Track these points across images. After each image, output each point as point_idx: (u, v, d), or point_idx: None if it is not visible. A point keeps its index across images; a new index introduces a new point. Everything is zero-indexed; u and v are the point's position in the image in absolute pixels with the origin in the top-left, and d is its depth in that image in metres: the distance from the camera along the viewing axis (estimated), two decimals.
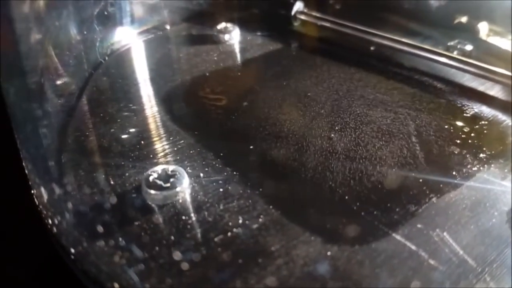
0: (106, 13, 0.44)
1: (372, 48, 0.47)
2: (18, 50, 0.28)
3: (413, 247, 0.26)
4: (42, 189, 0.28)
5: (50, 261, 0.31)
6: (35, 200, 0.29)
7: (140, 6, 0.50)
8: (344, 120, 0.36)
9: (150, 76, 0.43)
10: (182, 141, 0.34)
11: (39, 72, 0.32)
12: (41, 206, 0.28)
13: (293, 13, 0.52)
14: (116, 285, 0.24)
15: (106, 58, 0.45)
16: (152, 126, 0.36)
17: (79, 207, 0.28)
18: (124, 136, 0.34)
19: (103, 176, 0.30)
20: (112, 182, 0.30)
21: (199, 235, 0.27)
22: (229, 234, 0.27)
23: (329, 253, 0.26)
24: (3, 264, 0.32)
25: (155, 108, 0.38)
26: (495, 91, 0.40)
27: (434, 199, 0.29)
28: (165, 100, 0.39)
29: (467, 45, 0.45)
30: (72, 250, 0.25)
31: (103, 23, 0.43)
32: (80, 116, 0.36)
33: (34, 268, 0.32)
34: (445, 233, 0.27)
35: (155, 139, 0.35)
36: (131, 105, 0.38)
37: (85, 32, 0.40)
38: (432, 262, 0.25)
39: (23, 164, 0.29)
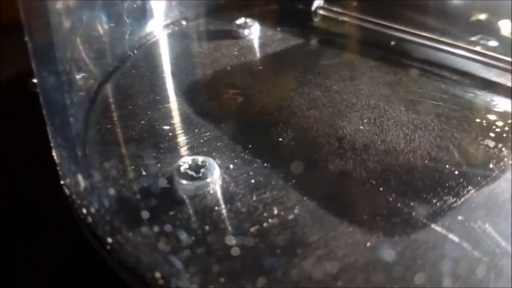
0: (135, 6, 0.43)
1: (393, 42, 0.47)
2: (52, 40, 0.28)
3: (455, 239, 0.25)
4: (79, 177, 0.27)
5: (81, 255, 0.31)
6: (66, 190, 0.28)
7: (160, 1, 0.49)
8: (370, 114, 0.36)
9: (174, 70, 0.43)
10: (208, 133, 0.34)
11: (70, 63, 0.31)
12: (74, 196, 0.27)
13: (313, 8, 0.51)
14: (157, 274, 0.23)
15: (135, 51, 0.44)
16: (177, 118, 0.36)
17: (113, 196, 0.28)
18: (151, 128, 0.34)
19: (135, 166, 0.30)
20: (144, 173, 0.30)
21: (234, 226, 0.26)
22: (265, 225, 0.26)
23: (368, 244, 0.25)
24: (31, 260, 0.31)
25: (180, 101, 0.38)
26: None
27: (472, 192, 0.28)
28: (189, 93, 0.39)
29: (491, 41, 0.44)
30: (109, 240, 0.25)
31: (132, 17, 0.43)
32: (109, 108, 0.36)
33: (64, 262, 0.32)
34: (486, 225, 0.26)
35: (180, 131, 0.34)
36: (158, 97, 0.38)
37: (114, 25, 0.40)
38: (475, 253, 0.24)
39: (54, 154, 0.28)
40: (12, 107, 0.41)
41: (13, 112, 0.40)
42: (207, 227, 0.26)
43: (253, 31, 0.49)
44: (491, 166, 0.31)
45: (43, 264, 0.32)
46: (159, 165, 0.30)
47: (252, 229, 0.26)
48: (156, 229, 0.25)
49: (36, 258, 0.32)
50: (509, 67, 0.40)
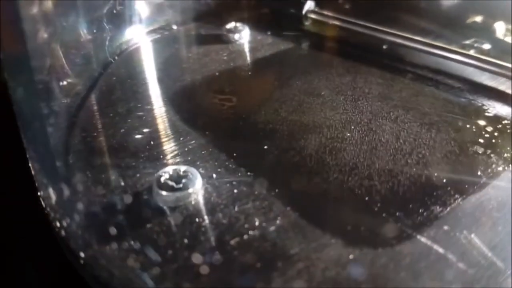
0: (115, 11, 0.43)
1: (384, 46, 0.46)
2: (26, 49, 0.27)
3: (440, 250, 0.24)
4: (50, 190, 0.26)
5: (61, 268, 0.30)
6: (42, 202, 0.27)
7: (148, 6, 0.49)
8: (360, 120, 0.35)
9: (159, 76, 0.42)
10: (193, 142, 0.33)
11: (47, 71, 0.31)
12: (48, 209, 0.27)
13: (304, 12, 0.51)
14: None
15: (116, 57, 0.44)
16: (162, 126, 0.35)
17: (88, 209, 0.27)
18: (134, 137, 0.33)
19: (113, 177, 0.29)
20: (122, 184, 0.29)
21: (213, 238, 0.25)
22: (245, 237, 0.25)
23: (351, 256, 0.24)
24: (12, 273, 0.31)
25: (165, 108, 0.37)
26: None
27: (459, 200, 0.28)
28: (175, 100, 0.38)
29: (484, 44, 0.44)
30: (82, 254, 0.24)
31: (112, 22, 0.42)
32: (89, 116, 0.35)
33: (45, 276, 0.31)
34: (473, 235, 0.25)
35: (165, 139, 0.34)
36: (140, 105, 0.37)
37: (95, 31, 0.39)
38: (460, 265, 0.24)
39: (30, 164, 0.27)
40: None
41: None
42: (185, 240, 0.25)
43: (243, 36, 0.49)
44: (479, 173, 0.30)
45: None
46: (139, 175, 0.30)
47: (232, 242, 0.25)
48: (131, 242, 0.25)
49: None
50: (501, 70, 0.39)
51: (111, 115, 0.36)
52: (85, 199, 0.28)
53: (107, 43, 0.42)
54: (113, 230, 0.25)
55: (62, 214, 0.26)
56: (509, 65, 0.38)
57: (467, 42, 0.45)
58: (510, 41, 0.45)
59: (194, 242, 0.25)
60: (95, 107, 0.36)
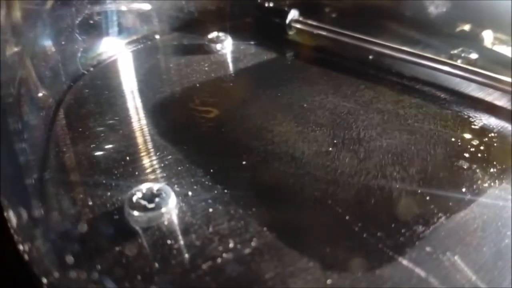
0: (91, 21, 0.41)
1: (370, 57, 0.45)
2: None
3: (422, 273, 0.23)
4: (11, 213, 0.25)
5: None
6: (8, 224, 0.26)
7: (129, 15, 0.47)
8: (342, 134, 0.34)
9: (138, 88, 0.41)
10: (170, 157, 0.32)
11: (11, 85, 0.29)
12: (12, 231, 0.25)
13: (287, 21, 0.49)
14: None
15: (91, 69, 0.42)
16: (138, 140, 0.34)
17: (53, 232, 0.26)
18: (106, 152, 0.32)
19: (82, 196, 0.28)
20: (90, 203, 0.28)
21: (185, 262, 0.24)
22: (218, 260, 0.24)
23: (329, 281, 0.23)
24: None
25: (142, 122, 0.36)
26: (503, 101, 0.37)
27: (443, 219, 0.27)
28: (153, 112, 0.37)
29: (472, 54, 0.43)
30: (44, 280, 0.23)
31: (87, 33, 0.41)
32: (58, 131, 0.34)
33: None
34: (456, 257, 0.24)
35: (141, 154, 0.32)
36: (116, 118, 0.36)
37: (63, 43, 0.38)
38: None
39: None
40: None
41: None
42: (156, 264, 0.24)
43: (225, 45, 0.48)
44: (463, 190, 0.29)
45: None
46: (110, 194, 0.28)
47: (204, 266, 0.24)
48: (96, 268, 0.23)
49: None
50: (488, 81, 0.38)
51: (81, 129, 0.34)
52: (49, 222, 0.26)
53: (79, 54, 0.40)
54: (78, 255, 0.24)
55: (24, 238, 0.25)
56: (496, 75, 0.37)
57: (455, 51, 0.44)
58: (497, 50, 0.44)
59: (164, 267, 0.24)
60: (65, 122, 0.35)
